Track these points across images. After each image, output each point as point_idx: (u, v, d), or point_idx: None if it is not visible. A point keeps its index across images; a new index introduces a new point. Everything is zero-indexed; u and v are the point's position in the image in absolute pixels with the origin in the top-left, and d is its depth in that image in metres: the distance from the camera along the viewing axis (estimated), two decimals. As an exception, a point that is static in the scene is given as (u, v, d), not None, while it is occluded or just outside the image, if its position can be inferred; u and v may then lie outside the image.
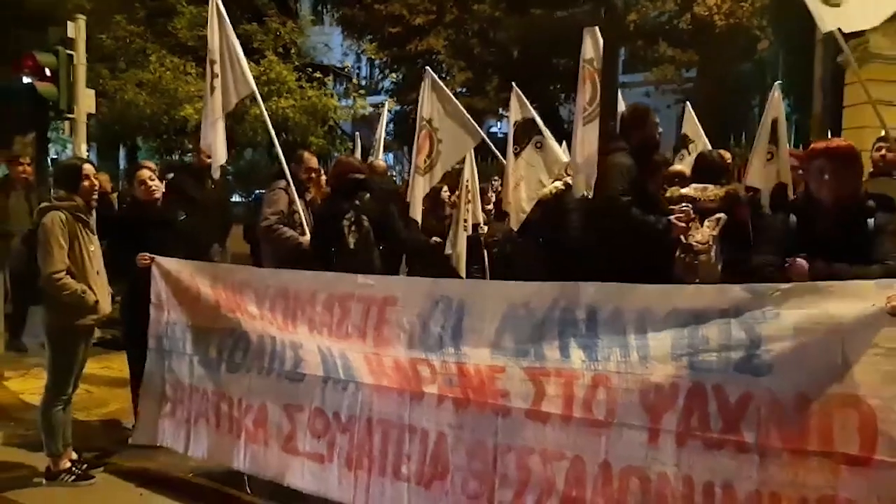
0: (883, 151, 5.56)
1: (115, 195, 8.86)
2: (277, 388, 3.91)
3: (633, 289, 2.97)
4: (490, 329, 3.23)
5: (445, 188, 7.58)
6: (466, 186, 7.10)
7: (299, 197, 5.61)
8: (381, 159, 9.29)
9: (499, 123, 20.07)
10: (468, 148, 6.89)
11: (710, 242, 4.43)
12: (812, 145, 3.79)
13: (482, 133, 7.00)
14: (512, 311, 3.19)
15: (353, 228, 5.07)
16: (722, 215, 4.47)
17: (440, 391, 3.32)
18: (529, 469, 3.05)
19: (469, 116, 6.83)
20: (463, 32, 17.97)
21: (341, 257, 4.84)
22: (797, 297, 2.62)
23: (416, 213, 6.65)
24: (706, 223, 4.51)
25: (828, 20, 4.12)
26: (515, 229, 6.59)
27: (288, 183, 5.59)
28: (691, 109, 8.63)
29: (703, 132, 8.28)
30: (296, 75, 13.71)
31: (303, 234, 5.51)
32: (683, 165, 6.53)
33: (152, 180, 5.05)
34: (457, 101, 6.93)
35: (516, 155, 6.65)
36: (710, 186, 4.66)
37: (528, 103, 6.86)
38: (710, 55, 16.78)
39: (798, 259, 3.22)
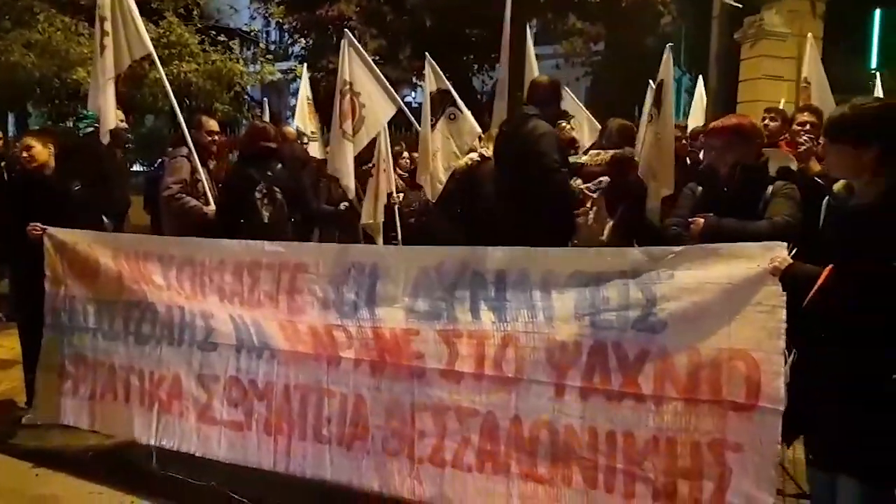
0: (766, 121, 5.85)
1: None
2: (190, 358, 3.85)
3: (538, 252, 3.12)
4: (403, 294, 3.31)
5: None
6: (381, 156, 7.06)
7: (202, 165, 5.43)
8: (299, 127, 8.98)
9: (413, 93, 19.93)
10: (390, 114, 6.77)
11: (589, 205, 4.64)
12: (710, 125, 4.11)
13: (399, 100, 6.94)
14: (424, 275, 3.29)
15: (265, 201, 4.96)
16: (604, 178, 4.67)
17: (357, 355, 3.38)
18: (445, 425, 3.18)
19: (387, 82, 6.75)
20: (375, -1, 17.66)
21: (254, 231, 4.72)
22: (689, 259, 2.81)
23: (349, 180, 6.45)
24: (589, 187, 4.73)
25: None
26: (432, 200, 6.61)
27: (190, 150, 5.40)
28: (566, 88, 8.83)
29: (582, 106, 8.55)
30: (198, 38, 13.13)
31: (207, 203, 5.34)
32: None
33: (29, 150, 4.77)
34: (375, 66, 6.82)
35: (432, 126, 6.63)
36: (602, 152, 4.85)
37: (442, 74, 6.84)
38: (617, 29, 17.24)
39: (698, 217, 3.54)
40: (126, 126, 6.35)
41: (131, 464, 4.10)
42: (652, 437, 2.79)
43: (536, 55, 7.38)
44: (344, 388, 3.40)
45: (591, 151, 4.99)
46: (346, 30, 6.81)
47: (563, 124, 6.29)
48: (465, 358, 3.14)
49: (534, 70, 6.95)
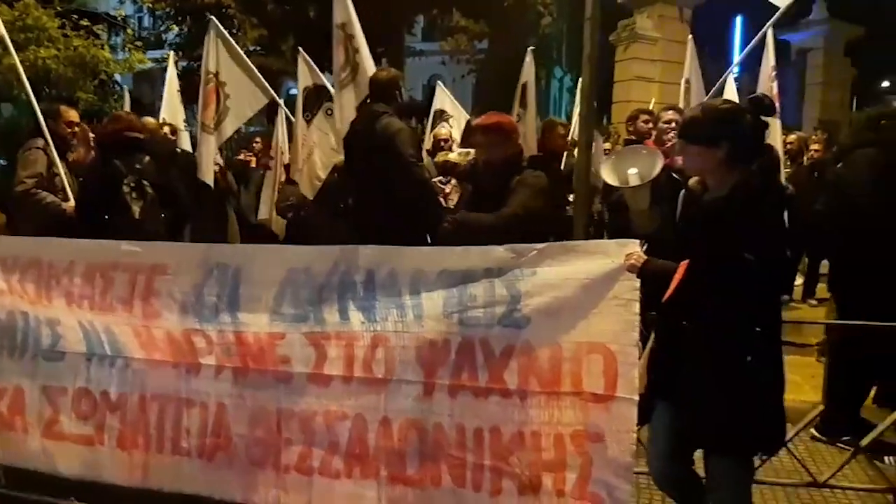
0: (639, 122, 6.08)
1: None
2: (33, 369, 3.54)
3: (406, 251, 3.10)
4: (269, 296, 3.19)
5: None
6: (280, 150, 6.93)
7: (60, 158, 5.04)
8: (165, 118, 8.53)
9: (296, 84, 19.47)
10: (259, 105, 6.66)
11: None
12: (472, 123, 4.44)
13: (272, 91, 6.78)
14: (292, 276, 3.18)
15: (135, 195, 4.67)
16: None
17: (218, 361, 3.23)
18: (314, 431, 3.09)
19: (258, 73, 6.59)
20: (255, -14, 17.07)
21: (123, 228, 4.42)
22: (550, 256, 2.89)
23: (207, 174, 6.30)
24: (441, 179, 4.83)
25: None
26: (309, 196, 6.50)
27: (46, 142, 5.00)
28: (443, 87, 9.09)
29: (458, 105, 8.82)
30: (59, 22, 12.20)
31: (66, 199, 4.98)
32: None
33: None
34: (245, 56, 6.64)
35: (308, 122, 6.52)
36: (472, 151, 4.94)
37: (317, 69, 6.73)
38: (500, 28, 17.60)
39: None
40: None
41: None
42: (518, 432, 2.83)
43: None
44: (204, 396, 3.24)
45: (460, 150, 5.07)
46: (212, 18, 6.57)
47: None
48: (333, 360, 3.06)
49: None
